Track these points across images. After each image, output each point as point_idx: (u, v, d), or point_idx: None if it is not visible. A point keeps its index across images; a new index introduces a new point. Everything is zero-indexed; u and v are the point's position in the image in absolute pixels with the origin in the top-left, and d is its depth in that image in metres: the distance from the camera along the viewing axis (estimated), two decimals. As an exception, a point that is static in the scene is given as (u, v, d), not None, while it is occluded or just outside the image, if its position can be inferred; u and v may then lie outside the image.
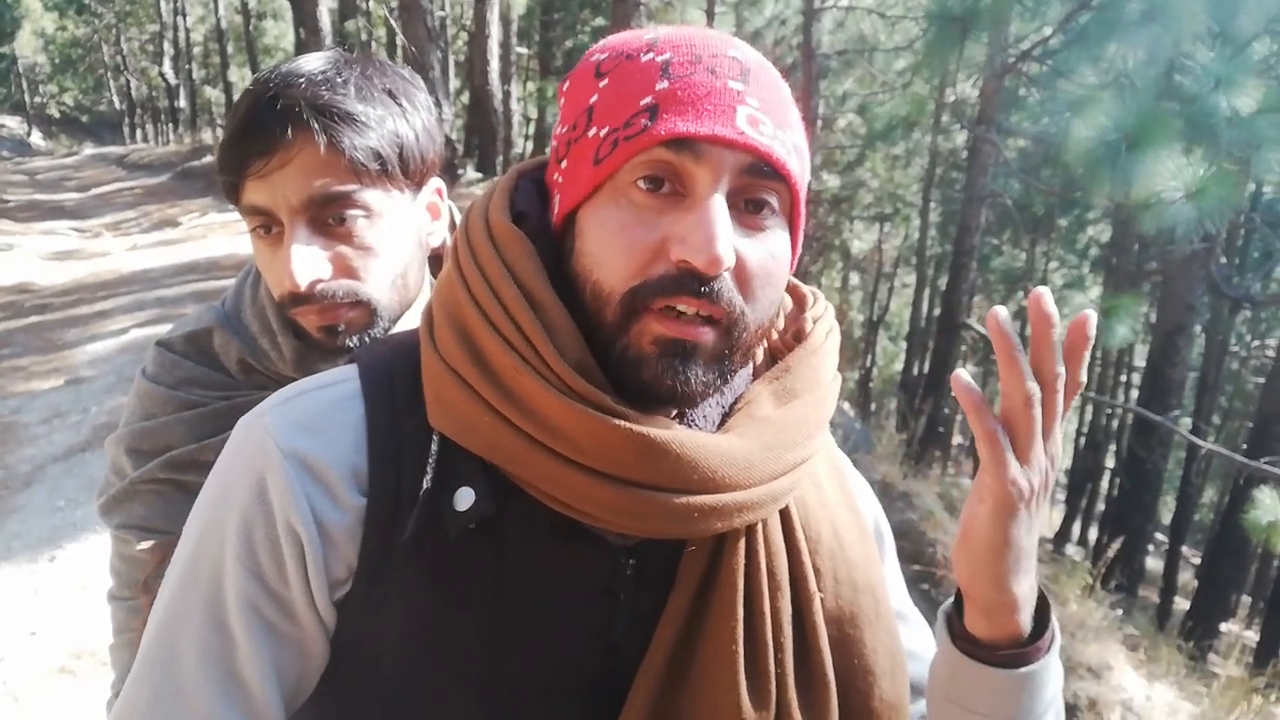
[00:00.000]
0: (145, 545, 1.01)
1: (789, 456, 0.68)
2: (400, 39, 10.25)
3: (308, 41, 10.62)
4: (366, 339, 0.97)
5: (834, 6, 9.90)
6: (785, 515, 0.74)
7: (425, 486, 0.66)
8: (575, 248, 0.67)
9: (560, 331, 0.65)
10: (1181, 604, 11.99)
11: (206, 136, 23.59)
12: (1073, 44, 5.99)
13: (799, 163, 0.67)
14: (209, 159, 18.20)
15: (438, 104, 1.13)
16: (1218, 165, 4.19)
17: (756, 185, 0.64)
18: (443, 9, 12.44)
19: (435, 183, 1.04)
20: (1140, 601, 9.37)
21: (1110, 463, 14.65)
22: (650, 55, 0.65)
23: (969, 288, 8.78)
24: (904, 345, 16.84)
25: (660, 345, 0.63)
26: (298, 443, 0.67)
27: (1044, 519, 0.65)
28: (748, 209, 0.65)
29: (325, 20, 10.50)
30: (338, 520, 0.66)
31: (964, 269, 8.45)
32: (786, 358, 0.73)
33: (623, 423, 0.62)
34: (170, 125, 28.60)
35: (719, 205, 0.62)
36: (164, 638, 0.68)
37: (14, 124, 36.36)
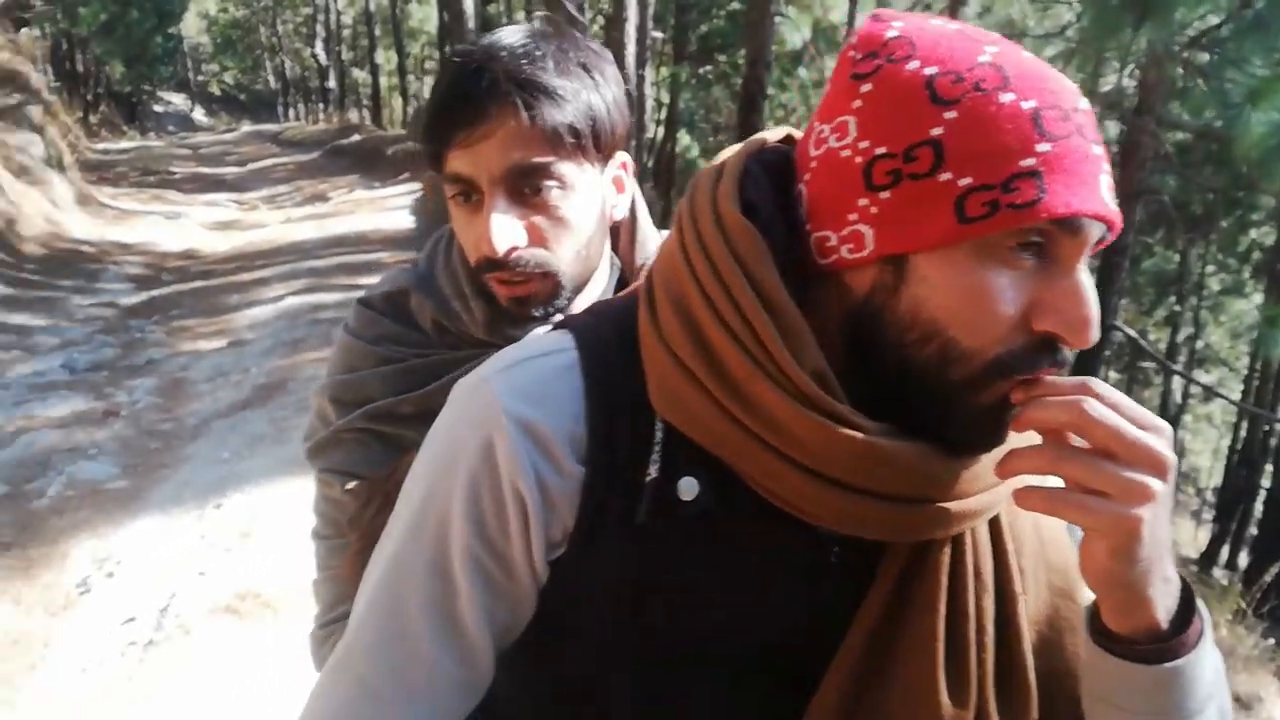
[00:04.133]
0: (349, 488, 1.08)
1: None
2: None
3: (451, 25, 10.92)
4: (550, 309, 1.01)
5: (984, -10, 9.52)
6: (994, 516, 0.73)
7: (652, 475, 0.68)
8: (910, 293, 0.63)
9: (796, 335, 0.64)
10: (1339, 637, 11.11)
11: (354, 116, 24.66)
12: (1246, 32, 5.56)
13: None
14: (356, 138, 19.06)
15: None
16: None
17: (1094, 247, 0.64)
18: (583, -7, 12.56)
19: (621, 156, 1.06)
20: (1293, 631, 8.72)
21: (1267, 482, 13.64)
22: (1012, 97, 0.61)
23: (1119, 288, 8.34)
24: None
25: (1006, 407, 0.63)
26: (522, 410, 0.69)
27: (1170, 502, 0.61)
28: None
29: (469, 4, 10.77)
30: (559, 486, 0.69)
31: (1116, 268, 8.01)
32: None
33: (859, 434, 0.63)
34: (321, 104, 29.99)
35: (1089, 280, 0.61)
36: (390, 584, 0.72)
37: (179, 100, 38.99)
